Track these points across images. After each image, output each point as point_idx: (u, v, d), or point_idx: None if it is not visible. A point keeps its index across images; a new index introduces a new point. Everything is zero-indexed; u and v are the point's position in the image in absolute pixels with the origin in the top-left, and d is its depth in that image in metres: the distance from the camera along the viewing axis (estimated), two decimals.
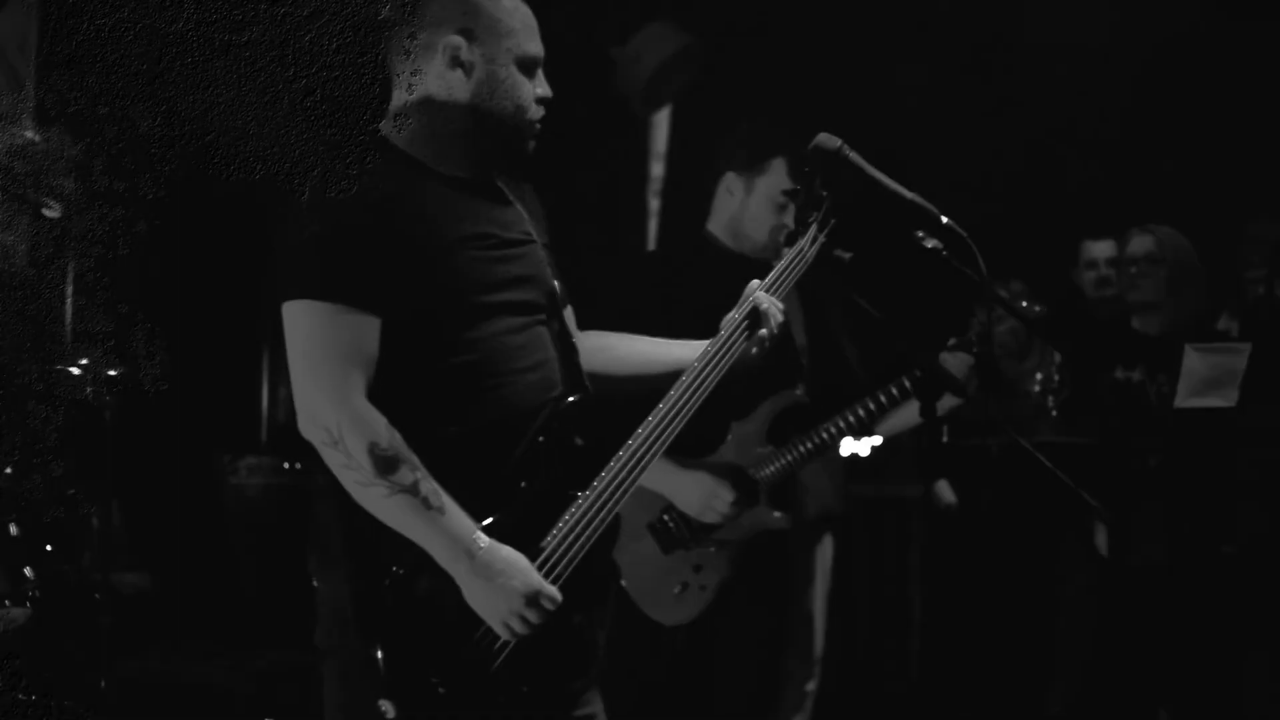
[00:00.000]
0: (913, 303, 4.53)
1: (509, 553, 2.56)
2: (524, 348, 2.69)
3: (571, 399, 2.71)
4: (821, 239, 2.94)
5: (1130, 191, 6.31)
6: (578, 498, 2.66)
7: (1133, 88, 6.36)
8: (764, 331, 2.82)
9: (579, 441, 2.70)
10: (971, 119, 6.46)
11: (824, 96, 5.78)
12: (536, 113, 2.76)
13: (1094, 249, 6.05)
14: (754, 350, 2.83)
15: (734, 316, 2.84)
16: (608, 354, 2.93)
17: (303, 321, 2.57)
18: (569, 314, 2.91)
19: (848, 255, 4.49)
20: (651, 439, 2.70)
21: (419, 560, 2.54)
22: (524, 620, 2.54)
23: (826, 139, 2.84)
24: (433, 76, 2.70)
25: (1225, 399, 4.66)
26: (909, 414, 4.73)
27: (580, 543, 2.63)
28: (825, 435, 4.34)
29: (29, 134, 3.64)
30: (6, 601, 3.96)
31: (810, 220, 2.94)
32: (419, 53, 2.70)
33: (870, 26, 6.37)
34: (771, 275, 2.92)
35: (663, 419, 2.72)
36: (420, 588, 2.55)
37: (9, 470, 3.94)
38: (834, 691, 5.71)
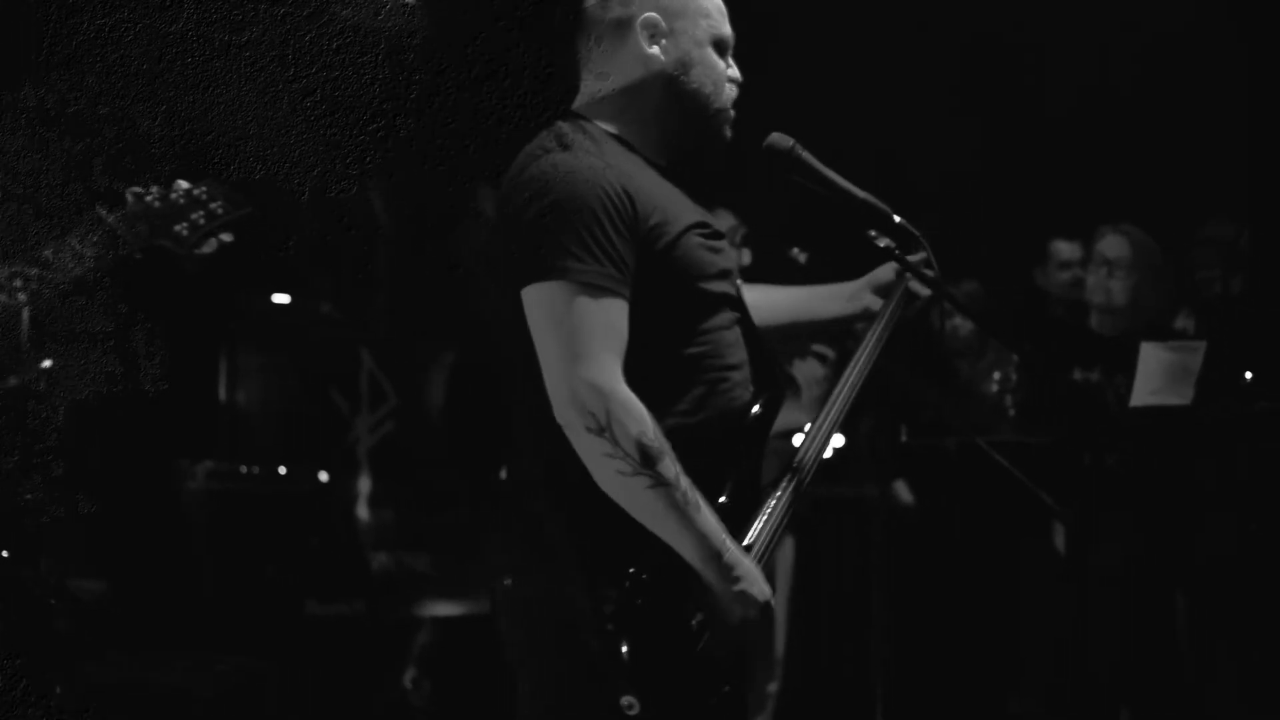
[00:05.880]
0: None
1: (746, 556, 2.50)
2: (734, 345, 2.64)
3: (769, 399, 2.65)
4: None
5: (1086, 191, 6.33)
6: (774, 493, 2.61)
7: (1086, 87, 6.39)
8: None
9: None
10: (933, 119, 6.48)
11: (825, 102, 5.81)
12: (732, 93, 2.74)
13: (1065, 250, 6.07)
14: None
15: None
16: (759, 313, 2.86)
17: (560, 304, 2.45)
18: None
19: (804, 256, 4.52)
20: (828, 422, 2.71)
21: (660, 562, 2.45)
22: (754, 627, 2.47)
23: (779, 138, 2.84)
24: (627, 56, 2.65)
25: (1181, 396, 4.68)
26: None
27: (775, 540, 2.58)
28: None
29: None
30: None
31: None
32: (610, 34, 2.66)
33: (861, 29, 6.41)
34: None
35: (841, 402, 2.74)
36: (662, 591, 2.44)
37: None
38: (796, 691, 5.72)
